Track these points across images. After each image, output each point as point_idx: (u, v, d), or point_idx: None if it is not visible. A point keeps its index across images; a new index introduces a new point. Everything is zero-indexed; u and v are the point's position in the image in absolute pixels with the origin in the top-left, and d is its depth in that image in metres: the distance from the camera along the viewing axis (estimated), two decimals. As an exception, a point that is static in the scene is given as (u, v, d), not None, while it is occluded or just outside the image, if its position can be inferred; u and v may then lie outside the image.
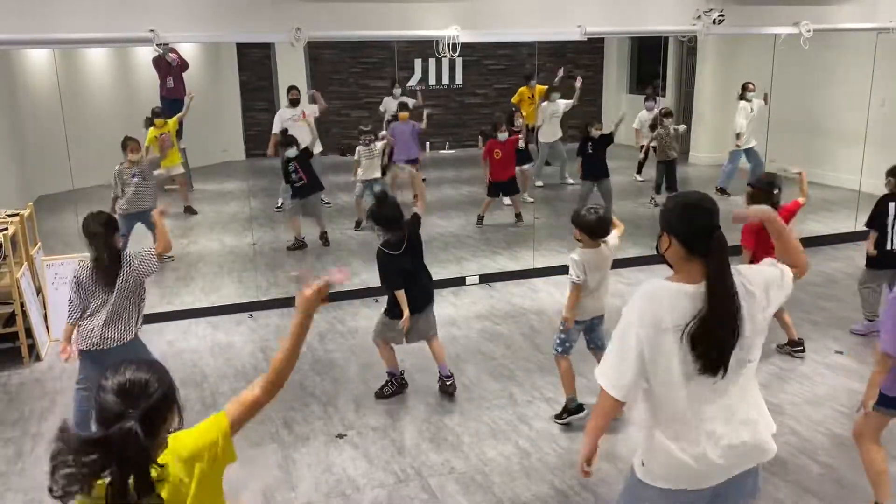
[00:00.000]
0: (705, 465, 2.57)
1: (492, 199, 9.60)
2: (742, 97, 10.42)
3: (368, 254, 8.43)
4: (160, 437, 2.00)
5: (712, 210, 2.60)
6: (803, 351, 5.68)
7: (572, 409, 4.75)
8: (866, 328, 6.03)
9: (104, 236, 4.24)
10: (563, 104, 11.34)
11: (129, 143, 7.77)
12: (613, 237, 4.65)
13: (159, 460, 1.96)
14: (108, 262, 4.23)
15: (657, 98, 11.46)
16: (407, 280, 4.99)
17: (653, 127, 10.68)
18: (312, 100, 10.46)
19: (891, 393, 3.55)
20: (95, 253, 4.25)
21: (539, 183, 11.62)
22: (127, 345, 4.26)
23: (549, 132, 11.43)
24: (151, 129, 9.47)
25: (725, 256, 2.56)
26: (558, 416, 4.82)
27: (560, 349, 4.75)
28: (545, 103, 11.42)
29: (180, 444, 2.09)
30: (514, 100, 12.39)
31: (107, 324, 4.21)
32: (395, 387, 5.19)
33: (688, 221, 2.59)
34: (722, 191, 10.74)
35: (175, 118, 9.35)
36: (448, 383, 5.18)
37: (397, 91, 12.08)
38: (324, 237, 8.77)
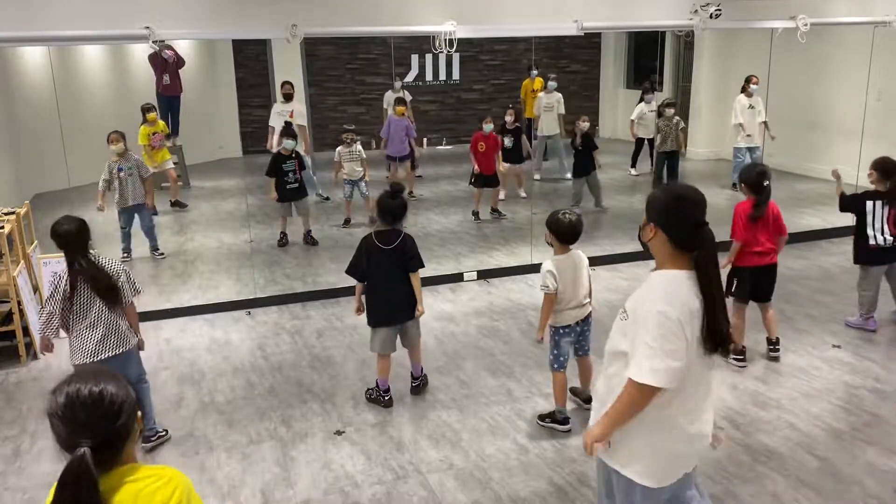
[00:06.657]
0: (700, 442, 2.70)
1: (481, 192, 9.64)
2: (744, 90, 10.23)
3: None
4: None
5: (702, 203, 2.59)
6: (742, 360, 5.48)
7: (559, 420, 4.64)
8: (860, 324, 6.04)
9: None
10: (557, 96, 11.44)
11: (110, 136, 7.59)
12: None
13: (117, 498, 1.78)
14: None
15: (655, 90, 11.46)
16: (372, 286, 4.86)
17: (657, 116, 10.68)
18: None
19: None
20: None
21: (536, 177, 11.63)
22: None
23: (547, 126, 11.48)
24: (144, 126, 9.49)
25: (714, 250, 2.58)
26: (541, 418, 4.71)
27: (556, 365, 4.63)
28: (542, 94, 11.56)
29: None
30: (521, 94, 12.74)
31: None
32: (375, 395, 5.04)
33: (676, 214, 2.58)
34: (736, 186, 10.73)
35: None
36: (414, 384, 5.14)
37: (397, 84, 12.20)
38: (308, 236, 8.67)
